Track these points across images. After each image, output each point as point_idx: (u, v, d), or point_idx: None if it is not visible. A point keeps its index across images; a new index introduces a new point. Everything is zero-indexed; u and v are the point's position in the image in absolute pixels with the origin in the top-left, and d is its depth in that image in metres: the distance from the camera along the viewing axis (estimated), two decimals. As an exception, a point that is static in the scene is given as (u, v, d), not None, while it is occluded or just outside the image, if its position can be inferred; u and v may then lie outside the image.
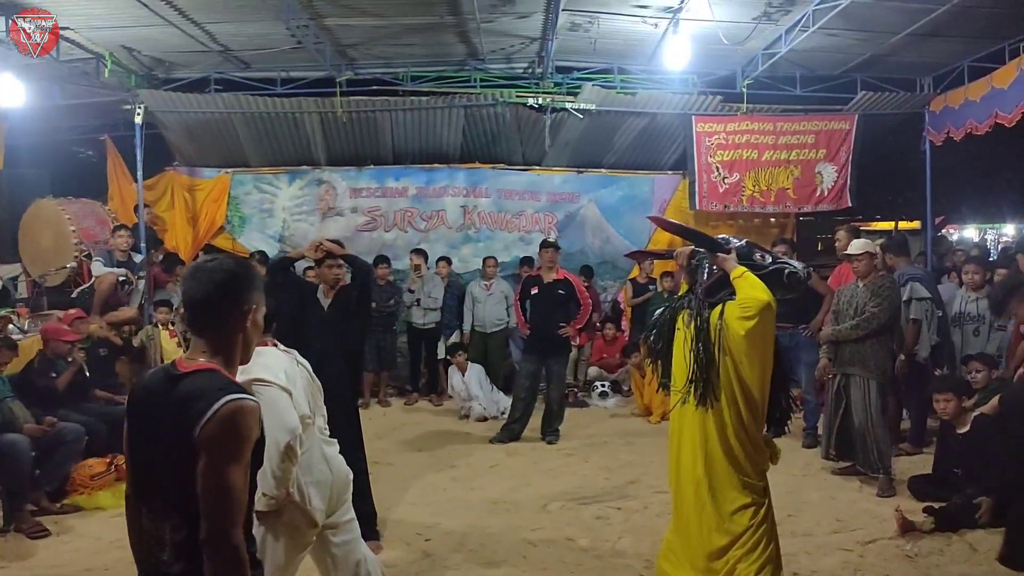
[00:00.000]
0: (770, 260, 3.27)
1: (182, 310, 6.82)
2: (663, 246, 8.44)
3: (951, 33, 7.60)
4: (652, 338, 3.53)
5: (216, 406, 1.75)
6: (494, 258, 8.95)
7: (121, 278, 7.35)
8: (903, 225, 17.03)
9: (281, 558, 2.93)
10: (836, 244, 6.53)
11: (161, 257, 8.99)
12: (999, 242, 18.82)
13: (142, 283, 7.78)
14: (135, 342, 7.14)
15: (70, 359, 5.80)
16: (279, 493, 2.81)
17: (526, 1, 7.14)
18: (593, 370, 9.00)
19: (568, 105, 9.04)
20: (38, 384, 5.59)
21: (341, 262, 4.67)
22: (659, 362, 3.50)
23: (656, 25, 7.67)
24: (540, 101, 9.08)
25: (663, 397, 5.25)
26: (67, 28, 7.17)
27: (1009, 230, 19.48)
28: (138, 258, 7.86)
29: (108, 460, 5.47)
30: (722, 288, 3.19)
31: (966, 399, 5.21)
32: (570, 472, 6.00)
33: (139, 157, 8.79)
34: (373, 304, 7.07)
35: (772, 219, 9.90)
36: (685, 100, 9.17)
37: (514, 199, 9.74)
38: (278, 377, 2.87)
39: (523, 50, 8.72)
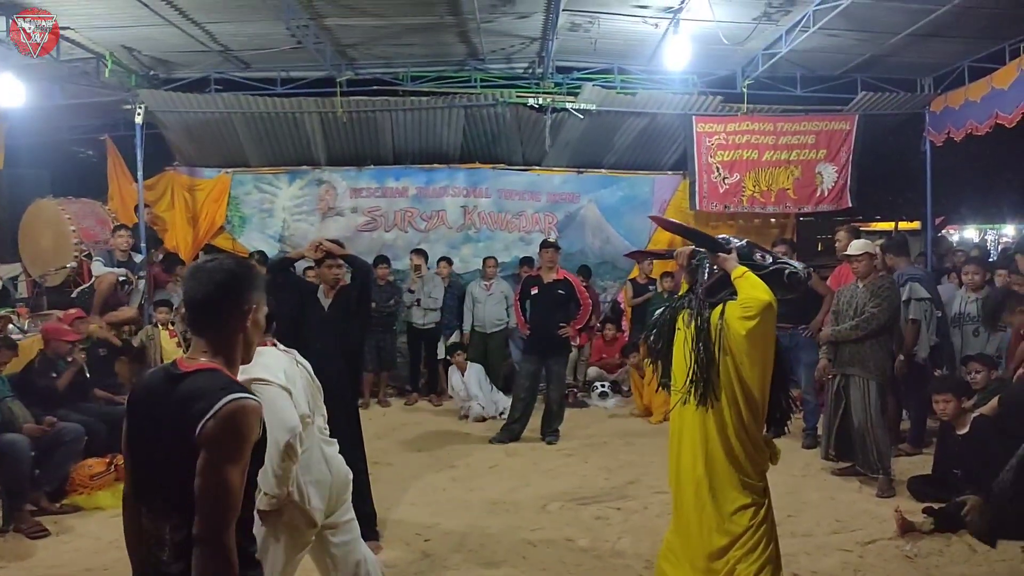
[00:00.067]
0: (770, 260, 3.26)
1: (182, 310, 6.85)
2: (663, 246, 8.45)
3: (951, 33, 7.60)
4: (652, 338, 3.53)
5: (218, 405, 1.76)
6: (494, 258, 8.95)
7: (121, 278, 7.35)
8: (903, 225, 17.02)
9: (280, 558, 2.94)
10: (836, 244, 6.54)
11: (161, 257, 8.99)
12: (999, 243, 18.81)
13: (142, 283, 7.78)
14: (135, 342, 7.14)
15: (70, 359, 5.80)
16: (280, 492, 2.81)
17: (526, 1, 7.14)
18: (593, 370, 9.00)
19: (568, 105, 9.04)
20: (38, 384, 5.59)
21: (341, 262, 4.67)
22: (659, 362, 3.49)
23: (656, 25, 7.68)
24: (540, 101, 9.08)
25: (664, 397, 5.24)
26: (67, 28, 7.18)
27: (1009, 231, 19.47)
28: (138, 258, 7.85)
29: (108, 460, 5.46)
30: (723, 288, 3.19)
31: (965, 400, 5.21)
32: (570, 472, 6.00)
33: (139, 157, 8.79)
34: (373, 304, 7.08)
35: (772, 219, 9.90)
36: (685, 100, 9.17)
37: (514, 199, 9.74)
38: (277, 377, 2.87)
39: (523, 50, 8.72)
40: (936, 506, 4.71)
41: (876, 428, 5.32)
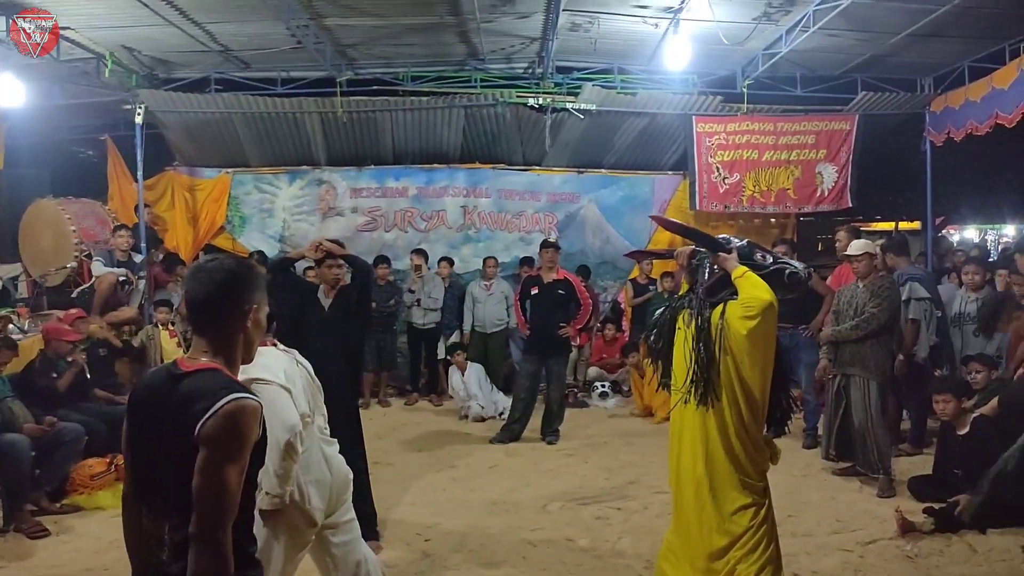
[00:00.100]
0: (771, 260, 3.26)
1: (183, 310, 6.85)
2: (663, 246, 8.45)
3: (951, 33, 7.60)
4: (652, 338, 3.53)
5: (218, 404, 1.76)
6: (494, 258, 8.95)
7: (121, 278, 7.35)
8: (903, 226, 17.02)
9: (281, 557, 2.94)
10: (836, 244, 6.53)
11: (161, 257, 8.99)
12: (999, 243, 18.82)
13: (142, 283, 7.79)
14: (135, 342, 7.14)
15: (71, 359, 5.80)
16: (282, 491, 2.81)
17: (526, 1, 7.14)
18: (593, 370, 9.00)
19: (568, 105, 9.04)
20: (39, 384, 5.59)
21: (341, 262, 4.67)
22: (659, 362, 3.49)
23: (656, 25, 7.67)
24: (540, 101, 9.08)
25: (665, 397, 5.24)
26: (67, 28, 7.17)
27: (1009, 231, 19.48)
28: (138, 258, 7.86)
29: (108, 460, 5.46)
30: (723, 288, 3.18)
31: (966, 400, 5.20)
32: (570, 472, 6.00)
33: (139, 157, 8.79)
34: (373, 304, 7.08)
35: (772, 219, 9.90)
36: (685, 100, 9.17)
37: (514, 199, 9.74)
38: (277, 376, 2.87)
39: (523, 50, 8.72)
40: (936, 506, 4.71)
41: (876, 428, 5.32)
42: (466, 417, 7.79)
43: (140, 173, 8.87)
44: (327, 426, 3.22)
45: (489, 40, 8.34)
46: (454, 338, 8.71)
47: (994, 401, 5.07)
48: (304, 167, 9.69)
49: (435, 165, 9.71)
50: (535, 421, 7.02)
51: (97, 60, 8.13)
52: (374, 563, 3.31)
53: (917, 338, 6.08)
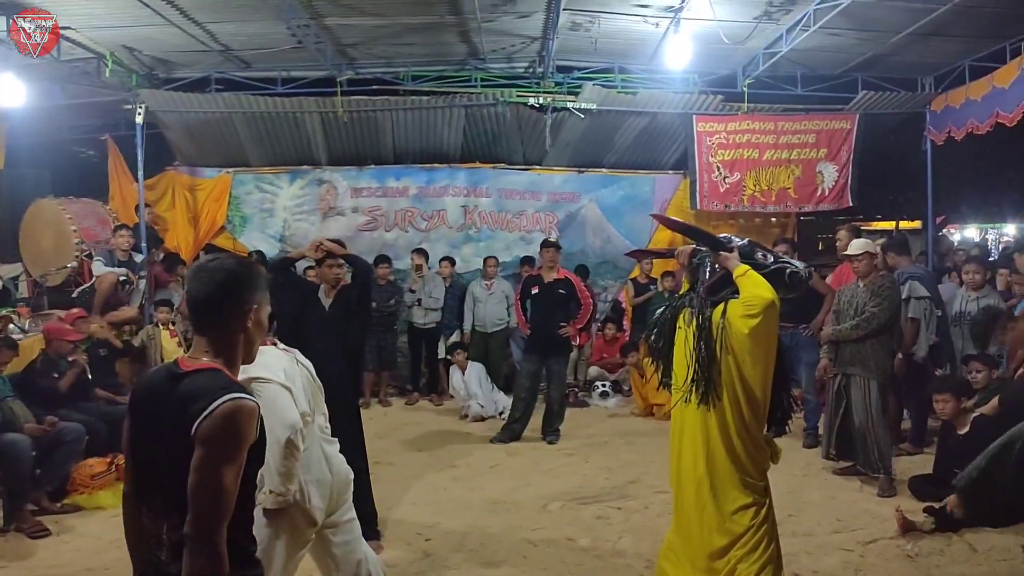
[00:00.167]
0: (772, 259, 3.26)
1: (184, 309, 6.85)
2: (664, 245, 8.46)
3: (952, 32, 7.60)
4: (653, 337, 3.53)
5: (215, 404, 1.76)
6: (495, 258, 8.94)
7: (122, 278, 7.35)
8: (904, 225, 17.03)
9: (281, 557, 2.93)
10: (837, 244, 6.53)
11: (162, 257, 8.98)
12: (1000, 242, 18.81)
13: (143, 283, 7.79)
14: (136, 342, 7.14)
15: (72, 359, 5.80)
16: (286, 490, 2.81)
17: (527, 0, 7.14)
18: (593, 370, 8.99)
19: (569, 105, 9.04)
20: (40, 384, 5.59)
21: (342, 262, 4.67)
22: (660, 361, 3.49)
23: (657, 24, 7.67)
24: (541, 101, 9.09)
25: (667, 395, 5.25)
26: (68, 28, 7.18)
27: (1010, 230, 19.48)
28: (139, 258, 7.86)
29: (109, 460, 5.46)
30: (724, 287, 3.18)
31: (966, 399, 5.20)
32: (570, 472, 6.00)
33: (140, 157, 8.80)
34: (374, 304, 7.07)
35: (773, 219, 9.89)
36: (686, 99, 9.17)
37: (515, 199, 9.74)
38: (277, 375, 2.87)
39: (524, 50, 8.71)
40: (937, 506, 4.70)
41: (877, 427, 5.32)
42: (466, 416, 7.79)
43: (141, 173, 8.88)
44: (328, 425, 3.22)
45: (489, 39, 8.34)
46: (455, 337, 8.71)
47: (995, 400, 5.06)
48: (305, 167, 9.69)
49: (436, 165, 9.71)
50: (535, 421, 7.02)
51: (97, 60, 8.13)
52: (375, 563, 3.31)
53: (916, 337, 6.08)
